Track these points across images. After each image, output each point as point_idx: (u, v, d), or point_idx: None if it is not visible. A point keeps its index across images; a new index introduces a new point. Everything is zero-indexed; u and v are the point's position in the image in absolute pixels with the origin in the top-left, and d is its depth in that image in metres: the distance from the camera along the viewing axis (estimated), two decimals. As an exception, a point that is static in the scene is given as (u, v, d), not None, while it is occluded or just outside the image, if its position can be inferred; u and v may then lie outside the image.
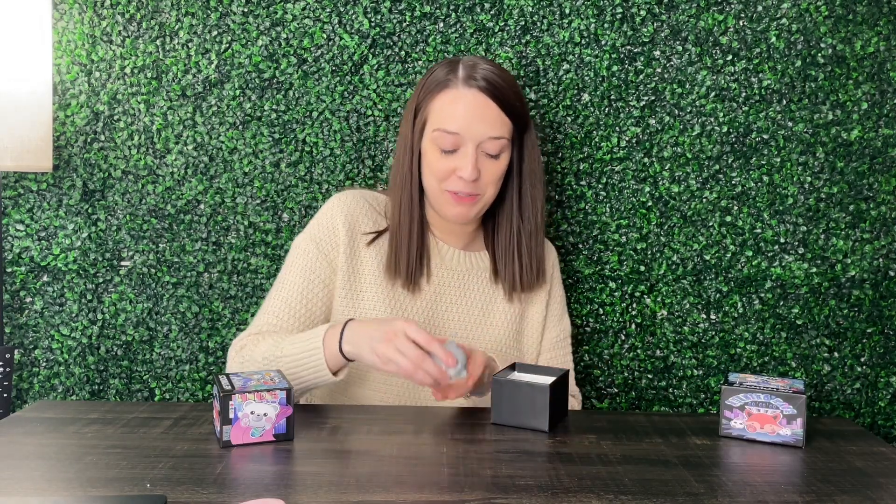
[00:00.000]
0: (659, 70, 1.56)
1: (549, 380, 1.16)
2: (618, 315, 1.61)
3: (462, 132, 1.23)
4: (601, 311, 1.61)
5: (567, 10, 1.55)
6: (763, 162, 1.57)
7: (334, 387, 1.32)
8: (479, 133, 1.24)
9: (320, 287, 1.28)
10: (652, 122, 1.57)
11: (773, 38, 1.55)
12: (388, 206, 1.35)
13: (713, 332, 1.61)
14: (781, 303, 1.59)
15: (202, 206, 1.57)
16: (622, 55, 1.56)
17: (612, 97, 1.57)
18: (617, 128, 1.57)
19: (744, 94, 1.56)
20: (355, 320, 1.15)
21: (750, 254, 1.59)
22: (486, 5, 1.55)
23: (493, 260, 1.36)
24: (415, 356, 1.06)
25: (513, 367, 1.22)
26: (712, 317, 1.60)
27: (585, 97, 1.57)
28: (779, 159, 1.57)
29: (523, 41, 1.56)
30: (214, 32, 1.54)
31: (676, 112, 1.57)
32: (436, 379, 1.08)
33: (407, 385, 1.30)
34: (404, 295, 1.30)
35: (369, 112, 1.56)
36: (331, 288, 1.29)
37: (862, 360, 1.61)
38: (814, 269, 1.59)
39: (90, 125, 1.56)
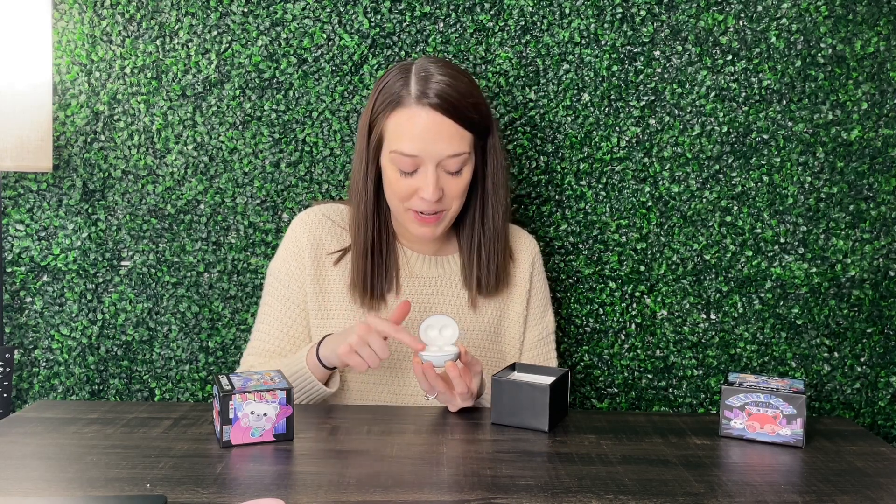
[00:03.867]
0: (659, 70, 1.56)
1: (549, 380, 1.16)
2: (618, 315, 1.61)
3: (419, 154, 1.19)
4: (601, 311, 1.61)
5: (567, 10, 1.55)
6: (763, 162, 1.57)
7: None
8: (437, 153, 1.19)
9: (296, 311, 1.31)
10: (652, 122, 1.57)
11: (773, 38, 1.55)
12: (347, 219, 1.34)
13: (713, 332, 1.61)
14: (781, 303, 1.59)
15: (202, 206, 1.57)
16: (622, 55, 1.56)
17: (612, 97, 1.57)
18: (617, 128, 1.57)
19: (744, 94, 1.56)
20: (331, 334, 1.22)
21: (750, 254, 1.59)
22: (486, 5, 1.55)
23: (461, 263, 1.34)
24: (360, 336, 1.12)
25: (513, 367, 1.22)
26: (712, 317, 1.60)
27: (585, 97, 1.57)
28: (779, 159, 1.57)
29: (523, 41, 1.56)
30: (214, 32, 1.54)
31: (676, 112, 1.57)
32: (380, 359, 1.13)
33: (395, 386, 1.30)
34: (375, 307, 1.30)
35: (369, 112, 1.56)
36: (304, 307, 1.32)
37: (862, 360, 1.61)
38: (814, 269, 1.59)
39: (90, 125, 1.56)
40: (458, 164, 1.22)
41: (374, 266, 1.28)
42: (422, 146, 1.19)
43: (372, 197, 1.27)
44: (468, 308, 1.33)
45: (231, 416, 1.00)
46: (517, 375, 1.20)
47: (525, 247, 1.39)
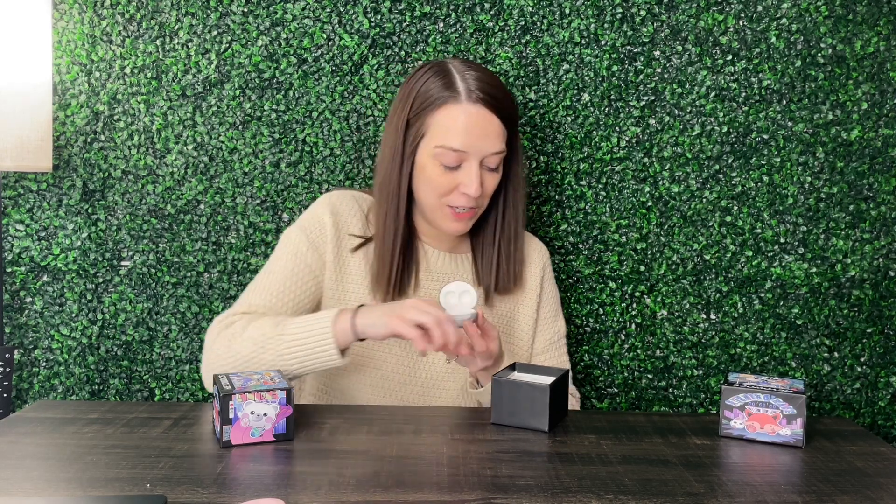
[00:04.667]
0: (659, 70, 1.56)
1: (549, 380, 1.16)
2: (618, 315, 1.61)
3: (468, 149, 1.22)
4: (601, 311, 1.61)
5: (567, 10, 1.55)
6: (763, 162, 1.57)
7: (325, 380, 1.33)
8: (483, 149, 1.23)
9: (309, 276, 1.27)
10: (652, 122, 1.57)
11: (773, 38, 1.55)
12: (371, 211, 1.34)
13: (713, 332, 1.61)
14: (781, 303, 1.59)
15: (202, 206, 1.57)
16: (622, 55, 1.56)
17: (612, 97, 1.57)
18: (617, 128, 1.57)
19: (744, 94, 1.56)
20: (366, 305, 1.16)
21: (750, 254, 1.59)
22: (486, 5, 1.55)
23: (474, 261, 1.36)
24: (433, 319, 1.07)
25: (513, 367, 1.22)
26: (712, 317, 1.60)
27: (585, 97, 1.57)
28: (779, 159, 1.57)
29: (523, 41, 1.56)
30: (214, 32, 1.54)
31: (676, 112, 1.57)
32: (445, 343, 1.09)
33: (392, 381, 1.30)
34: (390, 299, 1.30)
35: (369, 112, 1.56)
36: (319, 280, 1.29)
37: (862, 360, 1.61)
38: (814, 269, 1.59)
39: (90, 125, 1.56)
40: (497, 161, 1.25)
41: (397, 260, 1.28)
42: (470, 141, 1.21)
43: (406, 195, 1.28)
44: (482, 306, 1.35)
45: (231, 415, 1.00)
46: (517, 375, 1.20)
47: (536, 252, 1.41)
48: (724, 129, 1.57)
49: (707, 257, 1.59)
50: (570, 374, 1.39)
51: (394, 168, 1.27)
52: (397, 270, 1.28)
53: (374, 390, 1.30)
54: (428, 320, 1.08)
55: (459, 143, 1.21)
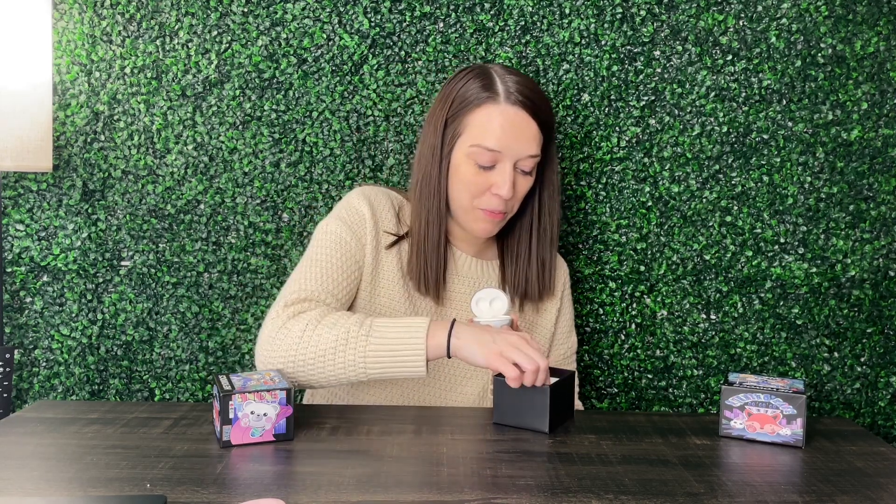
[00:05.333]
0: (659, 70, 1.56)
1: (552, 380, 1.16)
2: (618, 315, 1.61)
3: (502, 149, 1.21)
4: (601, 311, 1.61)
5: (567, 10, 1.55)
6: (763, 162, 1.57)
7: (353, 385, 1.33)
8: (518, 151, 1.22)
9: (354, 265, 1.26)
10: (652, 122, 1.57)
11: (773, 38, 1.55)
12: (401, 209, 1.33)
13: (713, 332, 1.61)
14: (781, 303, 1.59)
15: (202, 206, 1.57)
16: (622, 55, 1.56)
17: (612, 97, 1.57)
18: (617, 128, 1.57)
19: (744, 94, 1.56)
20: (460, 321, 1.15)
21: (750, 254, 1.59)
22: (486, 5, 1.55)
23: (501, 268, 1.36)
24: (533, 366, 1.07)
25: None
26: (712, 317, 1.60)
27: (585, 97, 1.57)
28: (779, 159, 1.57)
29: (523, 41, 1.56)
30: (214, 32, 1.54)
31: (676, 112, 1.57)
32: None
33: (414, 381, 1.30)
34: (419, 299, 1.30)
35: (369, 112, 1.56)
36: (362, 270, 1.27)
37: (862, 360, 1.61)
38: (814, 269, 1.59)
39: (90, 125, 1.56)
40: (531, 165, 1.25)
41: (431, 260, 1.28)
42: (505, 142, 1.21)
43: (445, 193, 1.28)
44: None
45: (231, 415, 1.00)
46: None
47: (560, 267, 1.42)
48: (724, 129, 1.57)
49: (707, 257, 1.59)
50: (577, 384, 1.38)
51: (433, 166, 1.27)
52: (434, 268, 1.28)
53: (392, 390, 1.30)
54: (528, 366, 1.07)
55: (494, 143, 1.21)
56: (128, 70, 1.55)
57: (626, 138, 1.57)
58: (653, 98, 1.57)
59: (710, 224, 1.59)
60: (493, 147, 1.21)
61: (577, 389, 1.37)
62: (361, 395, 1.32)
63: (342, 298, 1.24)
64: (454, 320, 1.14)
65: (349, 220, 1.27)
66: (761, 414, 1.08)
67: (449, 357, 1.12)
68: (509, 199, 1.24)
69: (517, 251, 1.34)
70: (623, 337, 1.62)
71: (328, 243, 1.25)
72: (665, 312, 1.61)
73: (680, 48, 1.56)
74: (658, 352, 1.62)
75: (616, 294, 1.61)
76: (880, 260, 1.59)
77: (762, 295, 1.59)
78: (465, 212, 1.27)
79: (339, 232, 1.26)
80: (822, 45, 1.55)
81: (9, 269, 1.57)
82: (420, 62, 1.56)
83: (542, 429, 1.10)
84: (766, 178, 1.58)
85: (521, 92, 1.23)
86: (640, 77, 1.56)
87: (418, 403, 1.30)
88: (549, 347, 1.40)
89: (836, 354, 1.60)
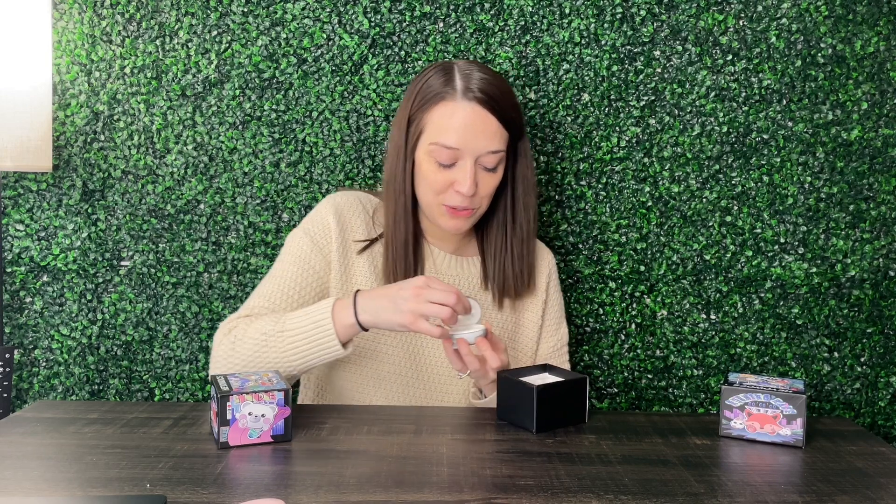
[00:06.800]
0: (659, 70, 1.56)
1: (550, 380, 1.15)
2: (618, 315, 1.61)
3: (461, 147, 1.21)
4: (601, 311, 1.61)
5: (567, 10, 1.55)
6: (763, 162, 1.57)
7: (327, 381, 1.32)
8: (477, 147, 1.22)
9: (314, 278, 1.27)
10: (652, 122, 1.57)
11: (773, 38, 1.55)
12: (376, 211, 1.34)
13: (713, 332, 1.60)
14: (781, 303, 1.59)
15: (202, 206, 1.57)
16: (622, 55, 1.56)
17: (612, 97, 1.57)
18: (617, 128, 1.57)
19: (744, 94, 1.56)
20: (362, 290, 1.15)
21: (750, 254, 1.59)
22: (486, 5, 1.55)
23: (483, 265, 1.35)
24: (450, 299, 1.07)
25: (544, 367, 1.22)
26: (712, 317, 1.60)
27: (585, 97, 1.57)
28: (779, 159, 1.57)
29: (523, 41, 1.56)
30: (214, 32, 1.54)
31: (676, 112, 1.57)
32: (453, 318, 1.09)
33: (396, 381, 1.30)
34: None
35: (369, 112, 1.56)
36: (324, 282, 1.28)
37: (862, 360, 1.61)
38: (814, 269, 1.59)
39: (90, 125, 1.56)
40: (494, 161, 1.24)
41: (403, 259, 1.28)
42: (463, 139, 1.21)
43: (410, 192, 1.28)
44: (485, 311, 1.34)
45: (229, 417, 1.00)
46: (524, 374, 1.19)
47: (543, 258, 1.40)
48: (724, 129, 1.57)
49: (707, 257, 1.59)
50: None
51: (398, 165, 1.27)
52: (402, 268, 1.27)
53: (376, 391, 1.30)
54: (443, 313, 1.08)
55: (453, 140, 1.21)
56: (128, 70, 1.55)
57: (626, 138, 1.57)
58: (653, 98, 1.57)
59: (710, 224, 1.59)
60: (452, 144, 1.21)
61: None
62: (342, 396, 1.31)
63: (298, 307, 1.25)
64: (357, 292, 1.15)
65: (313, 231, 1.29)
66: (761, 414, 1.08)
67: (366, 330, 1.14)
68: (472, 195, 1.23)
69: (494, 247, 1.33)
70: (623, 337, 1.62)
71: (288, 258, 1.28)
72: (665, 312, 1.61)
73: (680, 48, 1.56)
74: (658, 352, 1.62)
75: (616, 294, 1.61)
76: (880, 260, 1.59)
77: (762, 295, 1.59)
78: (432, 209, 1.27)
79: (301, 245, 1.28)
80: (822, 45, 1.55)
81: (9, 269, 1.57)
82: (420, 62, 1.56)
83: (529, 428, 1.10)
84: (766, 178, 1.58)
85: (481, 88, 1.21)
86: (640, 77, 1.56)
87: (403, 404, 1.30)
88: (538, 341, 1.39)
89: (836, 354, 1.60)
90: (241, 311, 1.24)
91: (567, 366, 1.41)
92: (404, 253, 1.27)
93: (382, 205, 1.31)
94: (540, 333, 1.39)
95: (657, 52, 1.56)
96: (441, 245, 1.35)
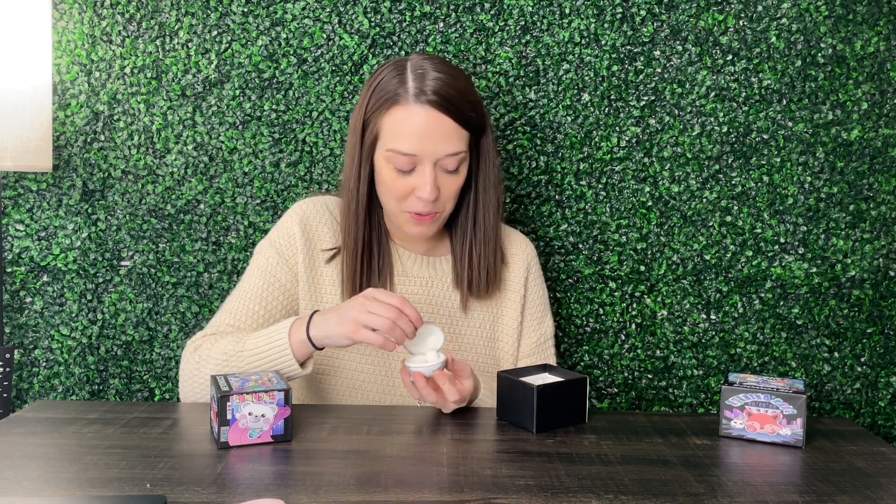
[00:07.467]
0: (659, 70, 1.56)
1: (550, 380, 1.15)
2: (618, 315, 1.61)
3: (418, 153, 1.17)
4: (601, 311, 1.61)
5: (567, 10, 1.55)
6: (763, 162, 1.57)
7: (305, 387, 1.31)
8: (436, 152, 1.17)
9: (279, 290, 1.26)
10: (652, 122, 1.57)
11: (773, 38, 1.55)
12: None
13: (713, 332, 1.60)
14: (781, 303, 1.59)
15: (202, 206, 1.57)
16: (622, 55, 1.56)
17: (612, 97, 1.57)
18: (617, 128, 1.57)
19: (744, 94, 1.56)
20: (320, 310, 1.14)
21: (750, 254, 1.59)
22: (486, 5, 1.55)
23: (454, 265, 1.32)
24: (390, 312, 1.06)
25: (544, 367, 1.21)
26: (712, 317, 1.60)
27: (585, 97, 1.57)
28: (779, 159, 1.57)
29: (523, 41, 1.56)
30: (214, 32, 1.54)
31: (676, 112, 1.57)
32: (407, 337, 1.08)
33: (380, 383, 1.28)
34: None
35: (369, 112, 1.56)
36: (292, 294, 1.27)
37: (862, 360, 1.61)
38: (814, 269, 1.59)
39: (90, 125, 1.56)
40: (455, 163, 1.20)
41: (367, 266, 1.26)
42: (420, 145, 1.17)
43: (364, 196, 1.24)
44: (460, 310, 1.32)
45: (229, 417, 1.00)
46: (523, 374, 1.19)
47: (520, 250, 1.36)
48: (724, 129, 1.57)
49: (707, 257, 1.59)
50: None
51: (352, 170, 1.24)
52: (365, 275, 1.25)
53: (361, 397, 1.28)
54: (383, 325, 1.06)
55: (409, 147, 1.17)
56: (128, 70, 1.55)
57: (626, 138, 1.57)
58: (653, 98, 1.57)
59: (710, 224, 1.59)
60: (408, 151, 1.17)
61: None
62: (325, 398, 1.30)
63: (263, 321, 1.24)
64: (314, 312, 1.14)
65: (278, 242, 1.27)
66: (761, 414, 1.08)
67: (319, 349, 1.12)
68: (435, 200, 1.20)
69: (461, 246, 1.30)
70: (623, 337, 1.62)
71: (254, 271, 1.27)
72: (665, 312, 1.61)
73: (680, 48, 1.56)
74: (658, 352, 1.62)
75: (616, 294, 1.61)
76: (880, 260, 1.59)
77: (762, 295, 1.59)
78: (396, 216, 1.24)
79: (267, 257, 1.27)
80: (822, 45, 1.55)
81: (9, 269, 1.57)
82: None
83: (530, 427, 1.10)
84: (766, 178, 1.58)
85: (434, 89, 1.17)
86: (640, 77, 1.56)
87: (388, 402, 1.29)
88: (519, 338, 1.35)
89: (836, 354, 1.60)
90: (208, 329, 1.24)
91: (553, 360, 1.36)
92: (358, 258, 1.25)
93: (341, 215, 1.28)
94: (521, 330, 1.35)
95: (657, 52, 1.56)
96: (410, 247, 1.32)
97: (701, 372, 1.61)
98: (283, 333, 1.13)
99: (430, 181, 1.18)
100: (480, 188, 1.28)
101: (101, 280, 1.58)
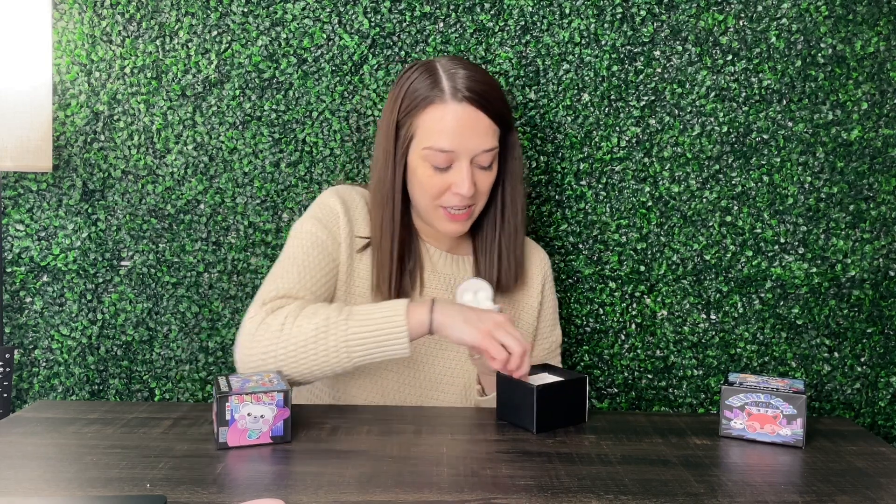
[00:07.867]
0: (659, 70, 1.56)
1: (550, 380, 1.15)
2: (618, 315, 1.61)
3: (455, 149, 1.20)
4: (601, 311, 1.61)
5: (567, 10, 1.55)
6: (763, 162, 1.57)
7: (330, 387, 1.32)
8: (472, 148, 1.21)
9: (330, 261, 1.25)
10: (652, 122, 1.57)
11: (773, 38, 1.55)
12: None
13: (713, 332, 1.60)
14: (781, 303, 1.59)
15: (202, 206, 1.57)
16: (622, 55, 1.56)
17: (612, 97, 1.57)
18: (617, 128, 1.57)
19: (744, 94, 1.56)
20: (438, 300, 1.14)
21: (750, 254, 1.59)
22: (486, 5, 1.55)
23: (475, 262, 1.34)
24: (520, 347, 1.08)
25: (543, 366, 1.22)
26: (712, 317, 1.60)
27: (585, 97, 1.57)
28: (779, 159, 1.57)
29: (523, 41, 1.56)
30: (214, 32, 1.54)
31: (676, 112, 1.57)
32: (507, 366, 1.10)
33: (393, 379, 1.29)
34: None
35: (369, 112, 1.56)
36: (338, 265, 1.26)
37: (862, 360, 1.61)
38: (814, 269, 1.59)
39: (90, 125, 1.56)
40: (489, 159, 1.23)
41: (402, 267, 1.27)
42: (458, 141, 1.20)
43: (401, 196, 1.26)
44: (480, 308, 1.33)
45: (227, 417, 1.00)
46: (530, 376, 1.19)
47: (537, 260, 1.39)
48: (724, 129, 1.57)
49: (707, 257, 1.59)
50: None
51: (387, 171, 1.26)
52: (397, 275, 1.26)
53: (373, 390, 1.29)
54: (516, 348, 1.08)
55: (447, 144, 1.20)
56: (128, 70, 1.55)
57: (626, 138, 1.57)
58: (653, 98, 1.57)
59: (710, 224, 1.59)
60: (447, 148, 1.20)
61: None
62: (339, 396, 1.31)
63: (321, 295, 1.23)
64: (433, 299, 1.14)
65: (323, 217, 1.27)
66: (761, 414, 1.08)
67: (432, 333, 1.12)
68: (471, 196, 1.23)
69: (486, 243, 1.32)
70: (623, 337, 1.62)
71: (304, 242, 1.25)
72: (665, 312, 1.61)
73: (680, 48, 1.56)
74: (658, 352, 1.62)
75: (616, 294, 1.61)
76: (880, 260, 1.59)
77: (762, 295, 1.59)
78: (429, 213, 1.26)
79: (315, 230, 1.26)
80: (822, 45, 1.55)
81: (9, 269, 1.57)
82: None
83: (530, 428, 1.10)
84: (766, 178, 1.58)
85: (469, 87, 1.20)
86: (640, 77, 1.56)
87: (400, 404, 1.30)
88: (533, 343, 1.39)
89: (836, 354, 1.60)
90: (268, 295, 1.19)
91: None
92: (392, 258, 1.26)
93: (372, 214, 1.29)
94: (535, 335, 1.39)
95: (657, 52, 1.56)
96: (436, 243, 1.34)
97: (701, 372, 1.61)
98: (400, 310, 1.12)
99: (468, 177, 1.21)
100: (508, 183, 1.31)
101: (101, 280, 1.58)
